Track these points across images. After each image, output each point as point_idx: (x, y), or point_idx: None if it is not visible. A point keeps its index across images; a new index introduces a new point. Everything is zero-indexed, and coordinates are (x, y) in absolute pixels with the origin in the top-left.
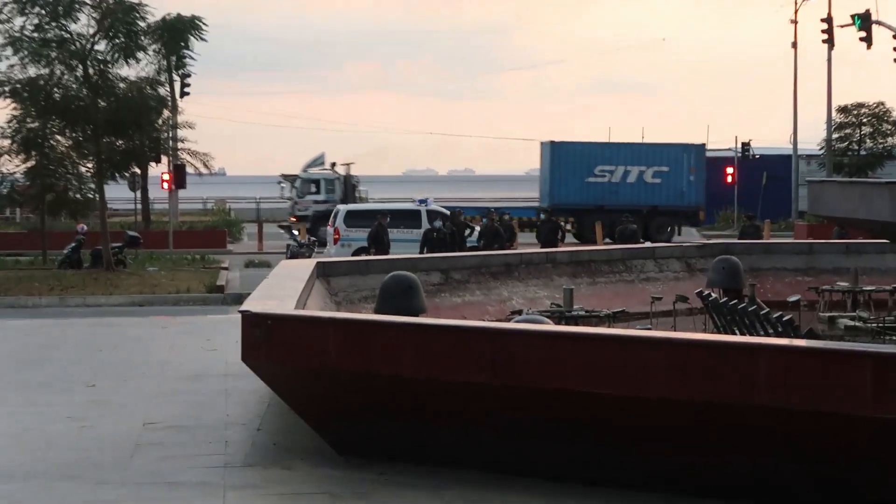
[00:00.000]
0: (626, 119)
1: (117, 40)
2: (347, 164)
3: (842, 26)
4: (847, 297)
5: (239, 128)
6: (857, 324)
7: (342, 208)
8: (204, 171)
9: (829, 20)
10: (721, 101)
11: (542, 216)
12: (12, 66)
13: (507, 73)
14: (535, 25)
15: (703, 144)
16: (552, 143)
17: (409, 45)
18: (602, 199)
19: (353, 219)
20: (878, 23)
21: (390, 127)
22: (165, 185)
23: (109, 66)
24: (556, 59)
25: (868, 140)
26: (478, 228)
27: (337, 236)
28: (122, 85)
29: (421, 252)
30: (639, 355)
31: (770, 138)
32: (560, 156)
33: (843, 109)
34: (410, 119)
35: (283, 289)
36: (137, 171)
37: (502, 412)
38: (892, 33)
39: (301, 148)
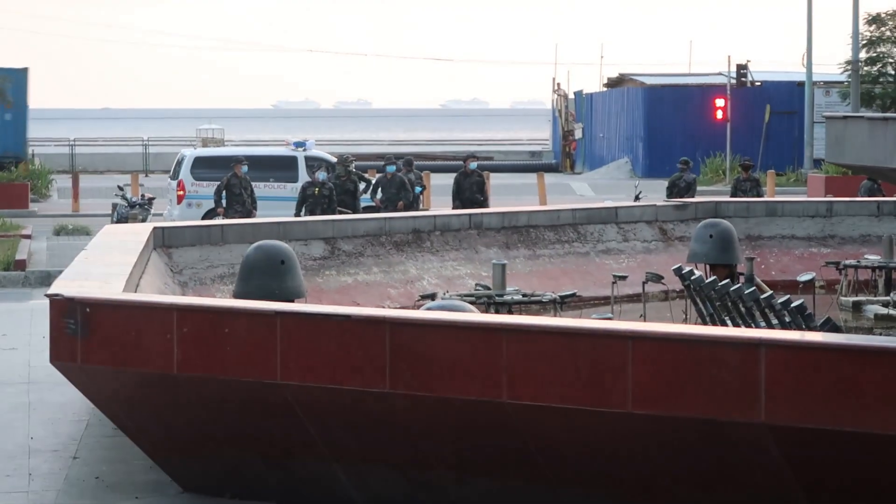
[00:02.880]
0: (574, 28)
1: None
2: None
3: None
4: (878, 276)
5: (47, 37)
6: (892, 311)
7: (188, 154)
8: None
9: None
10: (708, 7)
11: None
12: None
13: None
14: None
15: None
16: None
17: None
18: None
19: (203, 168)
20: None
21: (253, 42)
22: None
23: None
24: None
25: None
26: (373, 180)
27: (182, 192)
28: None
29: (297, 214)
30: (596, 354)
31: (774, 60)
32: None
33: (875, 20)
34: (282, 32)
35: (108, 264)
36: None
37: (404, 433)
38: None
39: (141, 69)
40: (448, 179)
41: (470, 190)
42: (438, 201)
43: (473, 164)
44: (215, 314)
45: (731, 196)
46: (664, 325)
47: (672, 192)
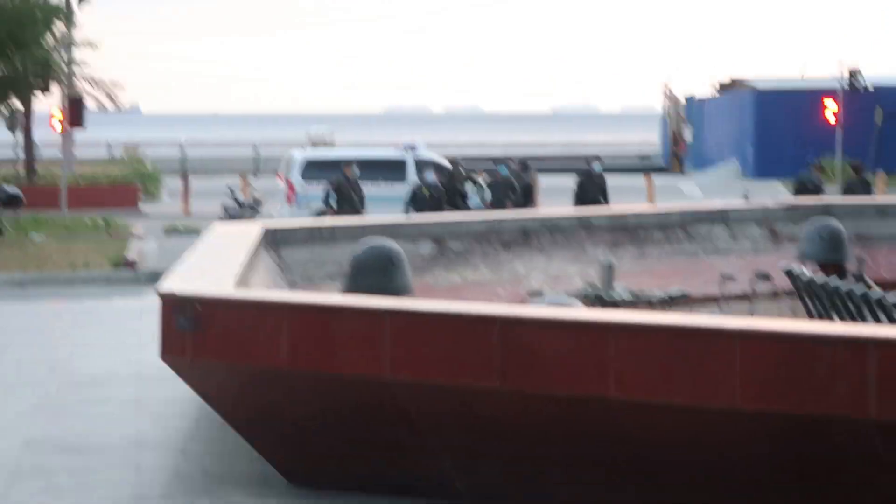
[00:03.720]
0: (687, 34)
1: None
2: None
3: None
4: None
5: (158, 51)
6: None
7: (298, 156)
8: (110, 105)
9: None
10: (818, 12)
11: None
12: None
13: None
14: None
15: None
16: None
17: None
18: None
19: (313, 169)
20: None
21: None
22: (57, 125)
23: None
24: None
25: None
26: (484, 185)
27: (292, 193)
28: None
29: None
30: (705, 352)
31: (885, 65)
32: None
33: None
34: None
35: (218, 262)
36: (19, 104)
37: (513, 430)
38: None
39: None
40: (559, 181)
41: (594, 192)
42: (549, 203)
43: (598, 167)
44: (325, 311)
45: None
46: (772, 321)
47: (799, 191)
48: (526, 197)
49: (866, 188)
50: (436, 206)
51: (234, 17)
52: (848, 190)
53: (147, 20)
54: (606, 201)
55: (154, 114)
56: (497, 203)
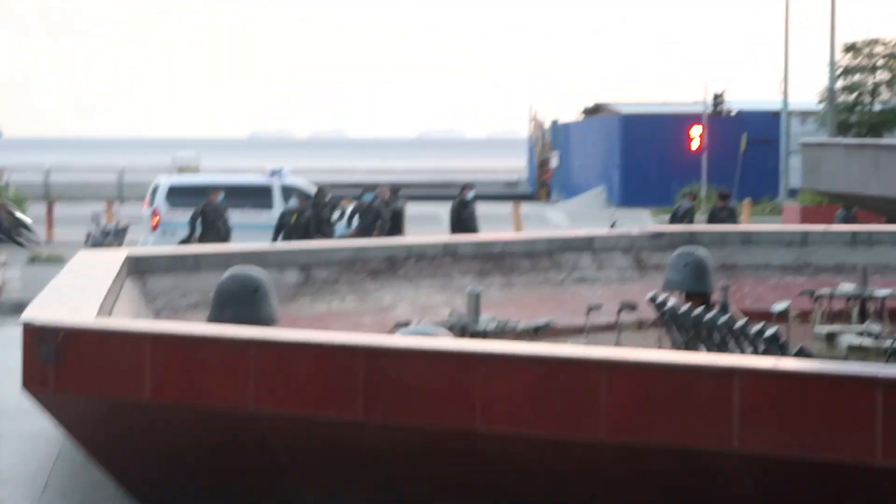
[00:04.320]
0: (551, 57)
1: None
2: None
3: None
4: (853, 305)
5: (26, 67)
6: (866, 341)
7: (163, 182)
8: None
9: None
10: (683, 35)
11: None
12: None
13: None
14: None
15: None
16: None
17: None
18: None
19: (178, 196)
20: None
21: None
22: None
23: None
24: None
25: (885, 90)
26: (349, 209)
27: (157, 220)
28: None
29: (275, 242)
30: (570, 383)
31: (752, 88)
32: None
33: (852, 48)
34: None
35: (81, 291)
36: None
37: (376, 461)
38: None
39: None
40: (427, 208)
41: (469, 219)
42: (416, 231)
43: (471, 194)
44: (188, 341)
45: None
46: (637, 352)
47: (672, 221)
48: (395, 224)
49: (732, 216)
50: (304, 233)
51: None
52: (713, 217)
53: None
54: (477, 230)
55: (17, 137)
56: (364, 231)
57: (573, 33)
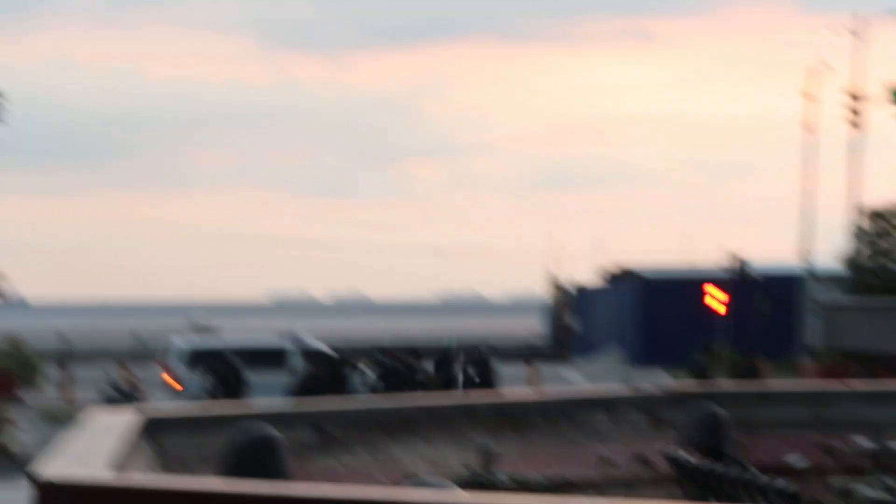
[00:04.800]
0: (574, 230)
1: None
2: None
3: (871, 101)
4: (869, 459)
5: (43, 234)
6: (883, 495)
7: (179, 343)
8: None
9: (853, 93)
10: (702, 199)
11: None
12: None
13: (413, 158)
14: (449, 95)
15: None
16: None
17: (277, 124)
18: None
19: (195, 359)
20: None
21: (251, 233)
22: None
23: None
24: (479, 143)
25: None
26: (368, 373)
27: (173, 380)
28: None
29: None
30: None
31: (765, 254)
32: None
33: (877, 215)
34: (278, 224)
35: (95, 448)
36: None
37: None
38: None
39: (135, 259)
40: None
41: (485, 377)
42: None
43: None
44: (201, 497)
45: None
46: None
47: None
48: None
49: (754, 374)
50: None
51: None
52: (739, 377)
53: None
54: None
55: (41, 303)
56: (390, 391)
57: (590, 193)
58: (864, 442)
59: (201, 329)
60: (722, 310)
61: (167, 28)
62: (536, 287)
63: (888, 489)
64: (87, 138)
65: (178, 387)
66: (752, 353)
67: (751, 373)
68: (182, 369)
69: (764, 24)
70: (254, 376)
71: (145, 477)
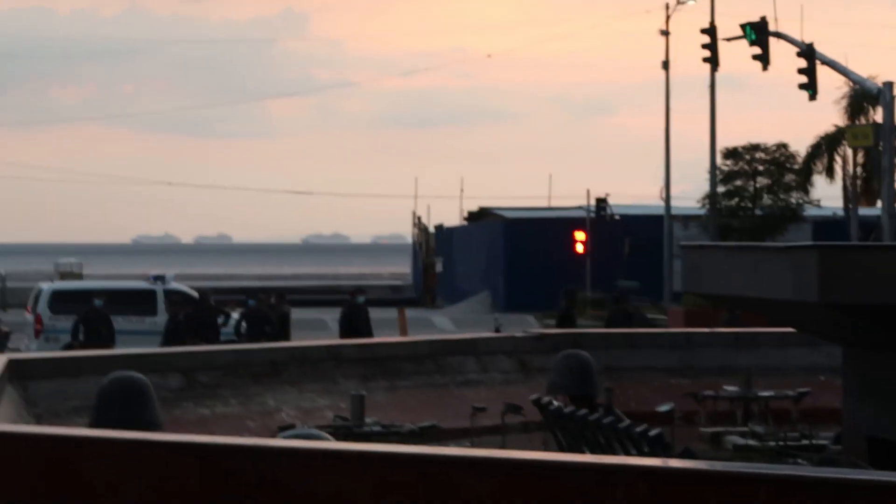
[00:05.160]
0: (439, 170)
1: None
2: None
3: (728, 39)
4: (737, 407)
5: None
6: (750, 441)
7: (45, 288)
8: None
9: (712, 31)
10: (565, 140)
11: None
12: None
13: (275, 100)
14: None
15: None
16: None
17: (134, 61)
18: None
19: (61, 302)
20: (779, 35)
21: (113, 174)
22: None
23: None
24: (342, 82)
25: (766, 195)
26: (235, 315)
27: (39, 326)
28: None
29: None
30: (454, 481)
31: (632, 193)
32: None
33: (732, 153)
34: (141, 165)
35: None
36: None
37: None
38: (797, 49)
39: None
40: (313, 314)
41: (363, 324)
42: (302, 336)
43: (361, 298)
44: (72, 443)
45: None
46: (520, 453)
47: (558, 322)
48: (282, 329)
49: (629, 319)
50: (181, 337)
51: None
52: (611, 322)
53: None
54: (371, 334)
55: None
56: (253, 335)
57: (452, 131)
58: (732, 389)
59: (68, 273)
60: (581, 250)
61: None
62: (402, 229)
63: (756, 436)
64: None
65: (43, 330)
66: (623, 298)
67: (626, 321)
68: (49, 314)
69: None
70: (121, 321)
71: (12, 424)
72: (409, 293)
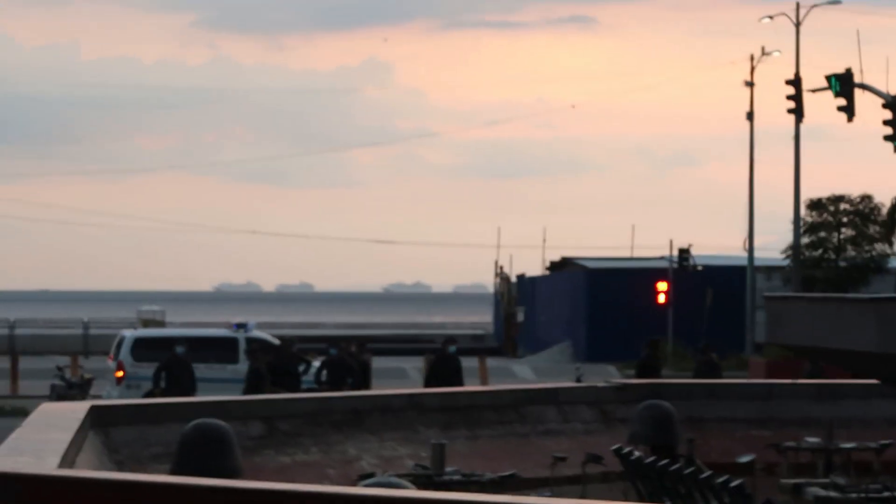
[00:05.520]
0: (521, 220)
1: None
2: None
3: (813, 91)
4: (818, 458)
5: None
6: (832, 493)
7: (128, 335)
8: None
9: (797, 82)
10: (648, 191)
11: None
12: None
13: (357, 149)
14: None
15: None
16: None
17: (217, 110)
18: None
19: (143, 349)
20: (864, 86)
21: (196, 223)
22: None
23: None
24: (425, 132)
25: (849, 247)
26: (316, 363)
27: (121, 373)
28: None
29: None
30: None
31: (715, 244)
32: None
33: (817, 204)
34: (224, 214)
35: (42, 441)
36: None
37: None
38: (882, 101)
39: (79, 249)
40: (394, 363)
41: (448, 376)
42: (382, 384)
43: (453, 348)
44: (155, 490)
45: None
46: (600, 503)
47: (638, 373)
48: (363, 377)
49: (715, 370)
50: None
51: None
52: (698, 373)
53: None
54: (461, 384)
55: None
56: (334, 384)
57: (534, 181)
58: (814, 440)
59: (150, 322)
60: (663, 300)
61: (103, 6)
62: (483, 279)
63: (838, 487)
64: (29, 122)
65: (125, 377)
66: (708, 349)
67: (712, 371)
68: (131, 361)
69: (706, 12)
70: (202, 368)
71: (94, 470)
72: (491, 342)
